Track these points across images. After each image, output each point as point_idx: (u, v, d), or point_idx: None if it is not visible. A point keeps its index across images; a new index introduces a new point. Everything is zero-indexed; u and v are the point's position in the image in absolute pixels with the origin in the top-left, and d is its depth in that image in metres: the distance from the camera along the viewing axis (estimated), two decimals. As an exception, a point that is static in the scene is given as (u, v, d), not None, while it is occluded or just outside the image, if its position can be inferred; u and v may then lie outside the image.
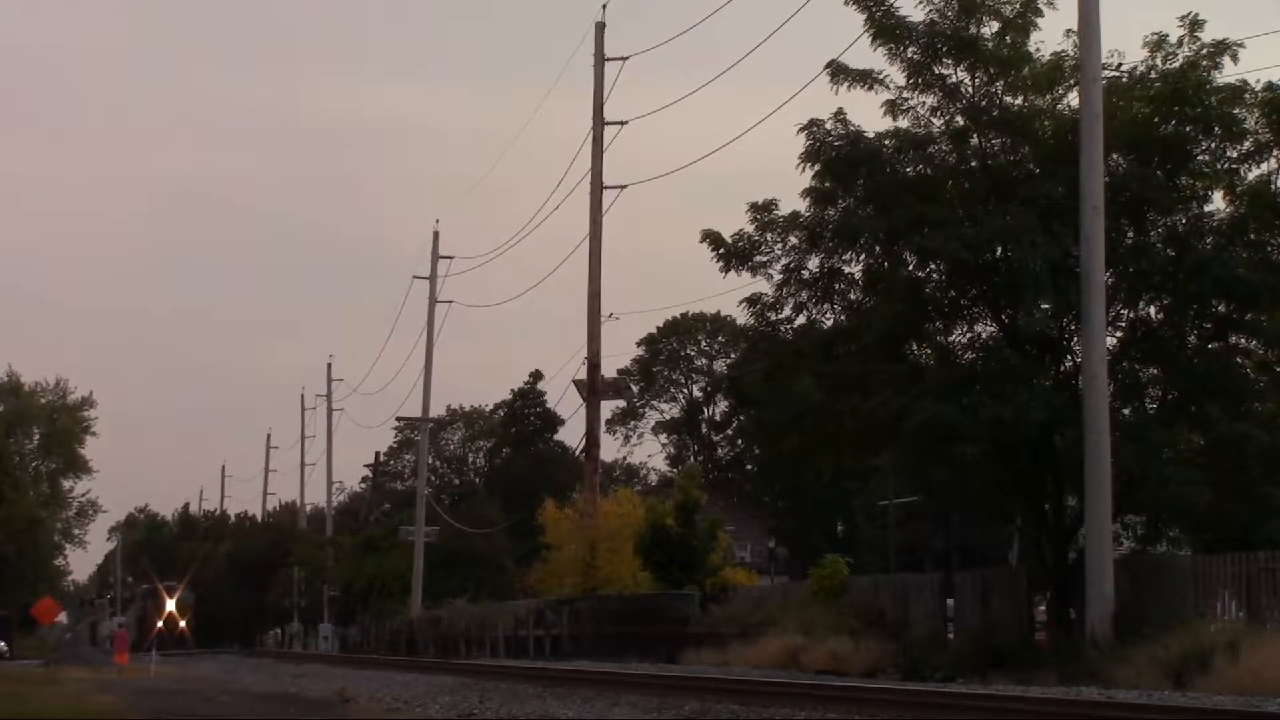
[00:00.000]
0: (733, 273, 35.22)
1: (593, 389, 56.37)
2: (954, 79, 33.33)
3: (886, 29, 33.00)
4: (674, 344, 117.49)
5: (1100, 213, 30.00)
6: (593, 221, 56.42)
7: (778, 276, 34.96)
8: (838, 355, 34.44)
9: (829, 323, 35.27)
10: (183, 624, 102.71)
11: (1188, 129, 31.99)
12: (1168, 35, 32.34)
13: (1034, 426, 31.48)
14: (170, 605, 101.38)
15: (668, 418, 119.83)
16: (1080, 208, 30.15)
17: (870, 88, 33.49)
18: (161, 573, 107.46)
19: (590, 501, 56.90)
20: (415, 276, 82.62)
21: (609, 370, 60.99)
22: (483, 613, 63.74)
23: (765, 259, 34.89)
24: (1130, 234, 32.56)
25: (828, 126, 33.64)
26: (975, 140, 33.60)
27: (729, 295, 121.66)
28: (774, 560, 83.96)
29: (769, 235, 34.82)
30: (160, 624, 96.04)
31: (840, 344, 34.64)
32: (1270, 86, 31.63)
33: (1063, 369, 33.34)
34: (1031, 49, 33.32)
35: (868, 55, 33.46)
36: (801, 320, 35.27)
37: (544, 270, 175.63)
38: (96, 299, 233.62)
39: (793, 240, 34.73)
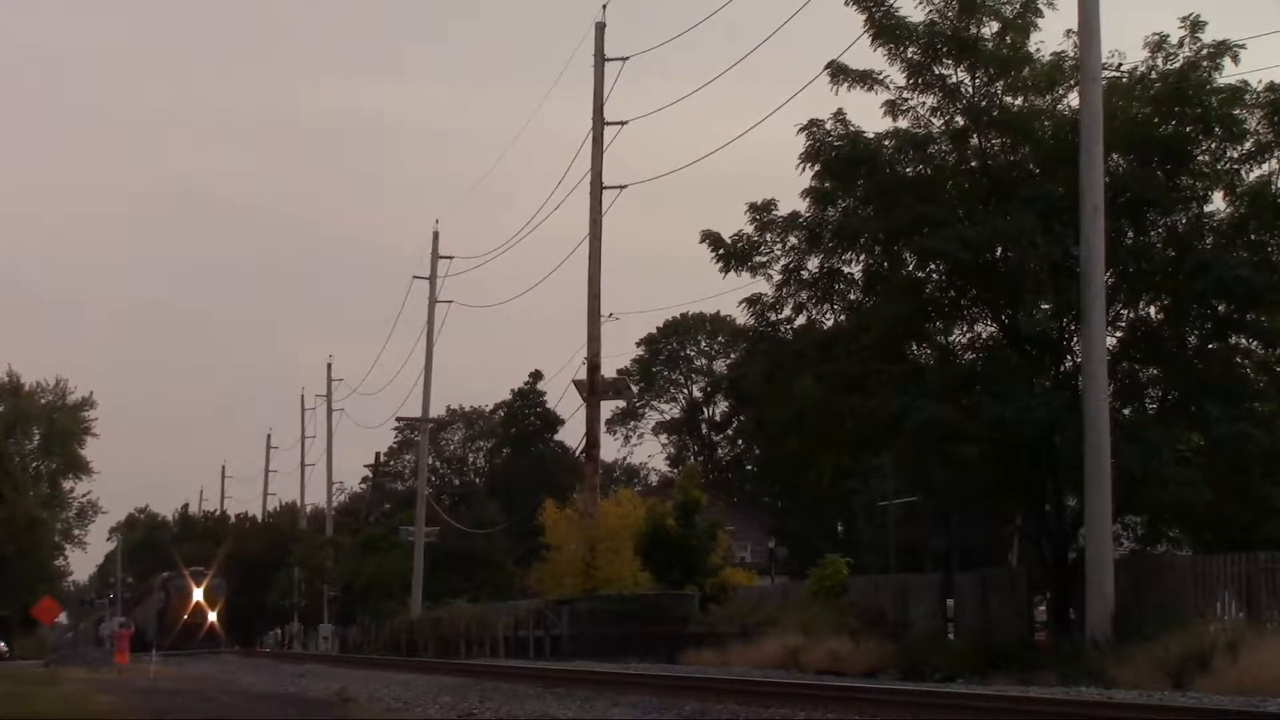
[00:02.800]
0: (733, 273, 35.29)
1: (593, 389, 56.36)
2: (954, 79, 33.35)
3: (886, 29, 33.02)
4: (674, 344, 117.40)
5: (1100, 213, 30.01)
6: (593, 221, 56.43)
7: (777, 277, 35.02)
8: (838, 355, 34.43)
9: (829, 323, 35.31)
10: (213, 616, 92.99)
11: (1188, 129, 32.01)
12: (1168, 36, 32.42)
13: (1034, 426, 31.49)
14: (197, 594, 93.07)
15: (668, 418, 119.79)
16: (1080, 208, 30.15)
17: (870, 88, 33.51)
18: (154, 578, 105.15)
19: (590, 501, 56.90)
20: (415, 276, 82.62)
21: (609, 370, 61.03)
22: (483, 613, 63.66)
23: (765, 259, 34.94)
24: (1130, 234, 32.57)
25: (828, 127, 33.68)
26: (975, 140, 33.62)
27: (729, 295, 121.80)
28: (774, 560, 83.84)
29: (769, 235, 34.85)
30: (186, 616, 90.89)
31: (840, 344, 34.64)
32: (1271, 87, 31.64)
33: (1063, 369, 33.35)
34: (1031, 49, 33.35)
35: (868, 55, 33.54)
36: (801, 320, 35.33)
37: (544, 270, 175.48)
38: (96, 299, 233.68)
39: (792, 240, 34.77)
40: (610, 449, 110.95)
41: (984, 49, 33.06)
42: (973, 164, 33.67)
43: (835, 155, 33.56)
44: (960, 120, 33.53)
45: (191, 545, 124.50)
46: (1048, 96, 33.54)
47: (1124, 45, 39.52)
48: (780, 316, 35.34)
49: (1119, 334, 33.12)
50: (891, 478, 67.17)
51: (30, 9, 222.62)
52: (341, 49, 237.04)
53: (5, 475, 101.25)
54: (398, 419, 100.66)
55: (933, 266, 33.64)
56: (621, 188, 56.96)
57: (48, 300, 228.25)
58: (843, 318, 35.18)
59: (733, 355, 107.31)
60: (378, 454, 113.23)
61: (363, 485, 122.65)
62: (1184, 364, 32.56)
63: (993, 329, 34.06)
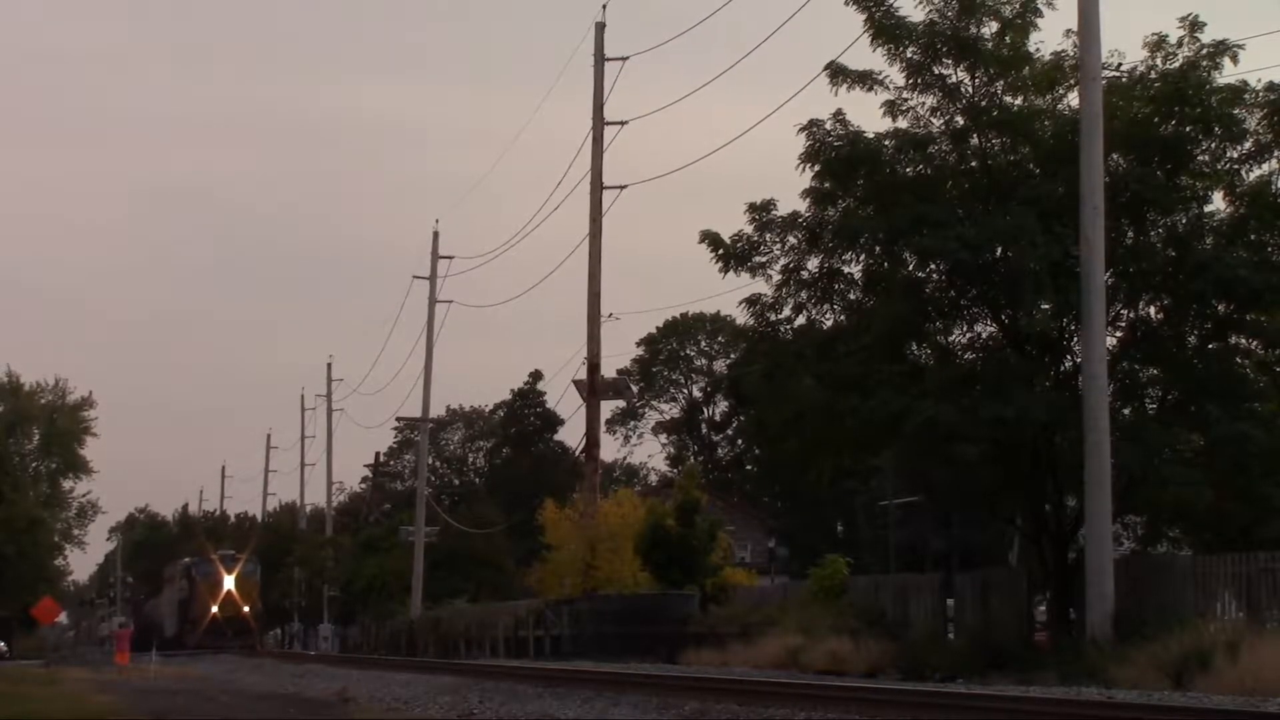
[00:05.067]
0: (732, 273, 35.29)
1: (593, 389, 56.36)
2: (954, 79, 33.35)
3: (886, 29, 33.02)
4: (674, 344, 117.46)
5: (1100, 213, 30.00)
6: (593, 221, 56.43)
7: (777, 277, 35.00)
8: (838, 355, 34.43)
9: (829, 323, 35.30)
10: (246, 609, 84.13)
11: (1188, 129, 32.01)
12: (1168, 35, 32.42)
13: (1034, 426, 31.49)
14: (229, 583, 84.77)
15: (668, 418, 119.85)
16: (1080, 208, 30.15)
17: (870, 88, 33.52)
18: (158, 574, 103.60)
19: (590, 501, 56.90)
20: (415, 276, 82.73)
21: (609, 370, 61.00)
22: (483, 613, 63.74)
23: (764, 259, 34.93)
24: (1130, 234, 32.58)
25: (827, 127, 33.66)
26: (975, 140, 33.62)
27: (729, 295, 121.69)
28: (774, 560, 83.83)
29: (768, 236, 34.84)
30: (215, 609, 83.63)
31: (840, 344, 34.64)
32: (1271, 87, 31.65)
33: (1063, 369, 33.36)
34: (1031, 49, 33.35)
35: (867, 56, 33.53)
36: (801, 320, 35.31)
37: (544, 270, 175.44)
38: (96, 299, 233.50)
39: (792, 241, 34.77)
40: (610, 449, 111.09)
41: (984, 49, 33.06)
42: (973, 164, 33.67)
43: (835, 155, 33.55)
44: (960, 120, 33.53)
45: (192, 545, 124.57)
46: (1048, 96, 33.54)
47: (1124, 45, 39.54)
48: (780, 317, 35.35)
49: (1119, 334, 33.12)
50: (891, 478, 67.14)
51: (30, 10, 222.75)
52: (342, 49, 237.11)
53: (5, 475, 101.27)
54: (398, 419, 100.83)
55: (933, 266, 33.64)
56: (621, 188, 57.00)
57: (48, 300, 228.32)
58: (843, 318, 35.18)
59: (733, 355, 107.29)
60: (378, 454, 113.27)
61: (363, 485, 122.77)
62: (1184, 364, 32.56)
63: (993, 329, 34.06)
